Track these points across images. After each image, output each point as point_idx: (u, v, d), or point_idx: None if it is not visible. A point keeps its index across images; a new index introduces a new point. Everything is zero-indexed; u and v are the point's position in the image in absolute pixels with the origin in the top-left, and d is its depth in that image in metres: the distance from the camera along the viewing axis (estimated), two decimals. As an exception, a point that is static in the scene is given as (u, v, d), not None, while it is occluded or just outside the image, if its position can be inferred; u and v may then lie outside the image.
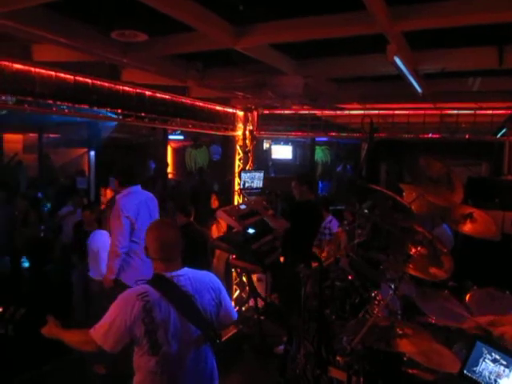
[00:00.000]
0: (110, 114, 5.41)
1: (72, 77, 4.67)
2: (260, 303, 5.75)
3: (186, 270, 2.38)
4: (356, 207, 3.64)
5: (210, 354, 2.41)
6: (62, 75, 4.56)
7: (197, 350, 2.32)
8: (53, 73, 4.46)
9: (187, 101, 6.38)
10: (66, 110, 4.69)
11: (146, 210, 4.30)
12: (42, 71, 4.37)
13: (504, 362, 2.23)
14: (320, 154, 14.55)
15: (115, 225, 4.15)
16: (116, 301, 2.25)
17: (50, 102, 4.47)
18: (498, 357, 2.26)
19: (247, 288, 6.45)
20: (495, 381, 2.23)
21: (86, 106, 4.85)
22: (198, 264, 3.88)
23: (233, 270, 6.47)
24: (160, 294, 2.23)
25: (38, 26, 3.20)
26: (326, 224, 6.25)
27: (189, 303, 2.29)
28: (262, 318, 5.52)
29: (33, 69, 4.29)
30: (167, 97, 5.98)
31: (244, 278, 6.49)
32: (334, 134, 7.57)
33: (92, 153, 10.84)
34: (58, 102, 4.56)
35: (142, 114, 5.60)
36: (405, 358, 2.76)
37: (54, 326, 2.38)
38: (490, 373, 2.25)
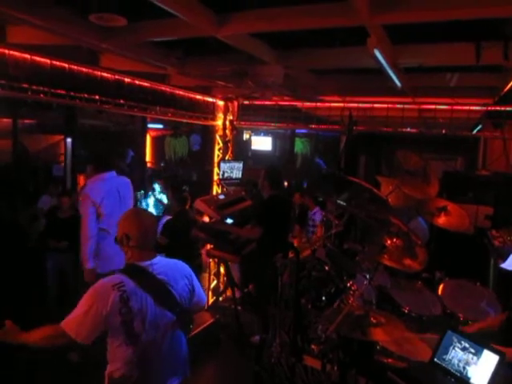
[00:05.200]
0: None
1: (48, 61, 4.56)
2: (237, 293, 5.77)
3: (159, 259, 2.37)
4: (333, 198, 3.67)
5: (183, 340, 2.44)
6: (37, 58, 4.45)
7: (172, 335, 2.34)
8: (28, 56, 4.34)
9: (167, 89, 6.30)
10: (42, 95, 4.57)
11: (116, 197, 4.18)
12: (17, 54, 4.24)
13: (473, 350, 2.30)
14: (300, 146, 14.58)
15: (83, 210, 4.11)
16: (89, 291, 2.18)
17: (25, 85, 4.35)
18: (467, 345, 2.33)
19: (224, 278, 6.47)
20: (464, 368, 2.30)
21: (63, 92, 4.74)
22: (187, 252, 3.85)
23: (210, 259, 6.46)
24: (135, 283, 2.20)
25: (12, 6, 3.11)
26: (311, 215, 6.16)
27: (165, 290, 2.28)
28: (239, 308, 5.54)
29: (7, 51, 4.17)
30: (146, 84, 5.89)
31: (221, 268, 6.50)
32: (313, 126, 7.58)
33: (69, 140, 10.59)
34: (34, 87, 4.44)
35: (121, 101, 5.51)
36: (378, 347, 2.81)
37: (12, 331, 2.20)
38: (459, 360, 2.32)
